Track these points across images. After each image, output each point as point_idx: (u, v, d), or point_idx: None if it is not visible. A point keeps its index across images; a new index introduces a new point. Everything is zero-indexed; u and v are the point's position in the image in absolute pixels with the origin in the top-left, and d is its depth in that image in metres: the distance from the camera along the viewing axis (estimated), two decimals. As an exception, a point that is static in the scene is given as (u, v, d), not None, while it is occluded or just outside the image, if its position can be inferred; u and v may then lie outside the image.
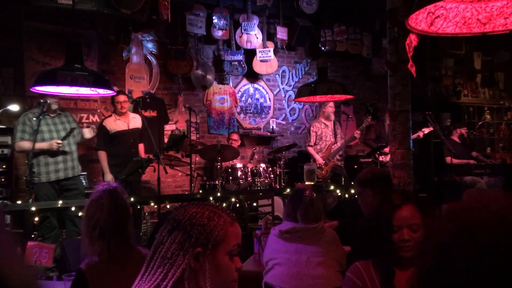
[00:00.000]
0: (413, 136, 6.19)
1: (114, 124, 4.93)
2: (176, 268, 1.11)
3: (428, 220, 0.65)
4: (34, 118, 4.26)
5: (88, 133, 4.63)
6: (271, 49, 6.67)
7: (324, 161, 5.84)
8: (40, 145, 4.27)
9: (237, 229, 1.23)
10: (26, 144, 4.26)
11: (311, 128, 6.01)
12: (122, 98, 4.91)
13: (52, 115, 4.49)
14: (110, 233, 1.80)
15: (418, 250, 1.59)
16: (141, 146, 5.14)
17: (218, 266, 1.16)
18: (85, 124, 5.25)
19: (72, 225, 4.33)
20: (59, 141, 4.34)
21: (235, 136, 6.16)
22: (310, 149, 5.96)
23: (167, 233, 1.16)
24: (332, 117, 5.97)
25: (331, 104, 5.99)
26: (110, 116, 5.04)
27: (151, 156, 4.70)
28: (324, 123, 6.00)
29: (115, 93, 4.52)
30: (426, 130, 6.18)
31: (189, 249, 1.13)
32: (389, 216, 1.65)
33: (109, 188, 1.88)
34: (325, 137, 5.95)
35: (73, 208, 3.86)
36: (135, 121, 5.06)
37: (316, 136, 5.95)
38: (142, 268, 1.18)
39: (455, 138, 6.69)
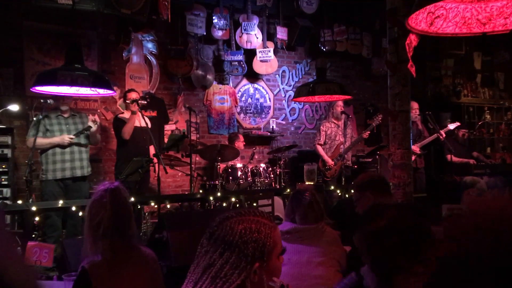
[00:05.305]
0: (430, 138, 6.13)
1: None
2: (229, 285, 1.12)
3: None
4: (44, 116, 4.30)
5: (91, 124, 4.58)
6: (271, 49, 6.67)
7: (333, 161, 5.86)
8: (51, 140, 4.34)
9: (278, 230, 1.26)
10: (38, 140, 4.22)
11: (321, 127, 6.05)
12: (134, 95, 4.91)
13: (65, 116, 4.51)
14: (113, 232, 1.80)
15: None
16: (151, 147, 5.09)
17: (273, 270, 1.20)
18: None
19: (72, 225, 4.33)
20: (72, 136, 4.39)
21: (242, 138, 6.15)
22: (319, 148, 5.97)
23: (218, 256, 1.15)
24: (342, 116, 5.94)
25: (340, 103, 6.00)
26: (122, 113, 5.05)
27: (151, 156, 4.69)
28: (335, 123, 6.05)
29: (115, 93, 4.53)
30: (452, 126, 6.14)
31: (246, 267, 1.14)
32: None
33: (111, 187, 1.88)
34: (335, 136, 5.99)
35: (73, 208, 3.86)
36: (142, 120, 5.05)
37: (325, 136, 5.97)
38: (184, 284, 1.18)
39: (456, 138, 6.68)
